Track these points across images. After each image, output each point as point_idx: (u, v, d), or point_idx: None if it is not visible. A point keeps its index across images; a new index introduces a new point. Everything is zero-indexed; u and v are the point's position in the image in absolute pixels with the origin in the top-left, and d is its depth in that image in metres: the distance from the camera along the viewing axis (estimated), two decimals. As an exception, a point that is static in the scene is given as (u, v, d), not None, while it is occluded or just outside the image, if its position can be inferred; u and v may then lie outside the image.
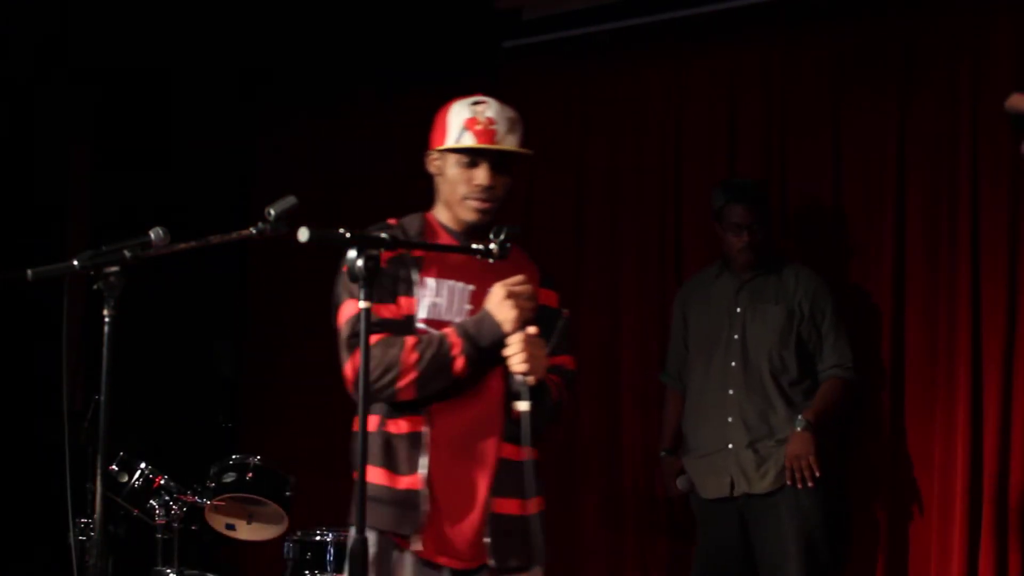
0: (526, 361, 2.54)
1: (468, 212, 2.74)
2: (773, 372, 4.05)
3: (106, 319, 2.46)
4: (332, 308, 2.83)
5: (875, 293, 4.38)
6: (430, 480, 2.62)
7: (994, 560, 3.99)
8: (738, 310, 4.15)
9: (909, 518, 4.25)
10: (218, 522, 4.36)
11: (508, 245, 2.52)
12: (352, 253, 2.25)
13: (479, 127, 2.68)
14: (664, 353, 4.59)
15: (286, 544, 4.25)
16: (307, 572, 4.17)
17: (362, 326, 2.25)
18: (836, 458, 4.14)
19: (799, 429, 3.98)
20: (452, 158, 2.73)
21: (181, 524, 4.16)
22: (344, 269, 2.69)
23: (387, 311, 2.71)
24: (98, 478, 2.48)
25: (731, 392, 4.10)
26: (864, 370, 4.20)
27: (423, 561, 2.64)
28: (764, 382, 4.05)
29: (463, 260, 2.70)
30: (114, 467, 4.17)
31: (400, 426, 2.67)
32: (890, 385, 4.31)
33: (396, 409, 2.68)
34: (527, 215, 5.24)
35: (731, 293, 4.18)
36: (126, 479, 4.17)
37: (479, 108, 2.70)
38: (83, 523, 4.25)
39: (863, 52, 4.50)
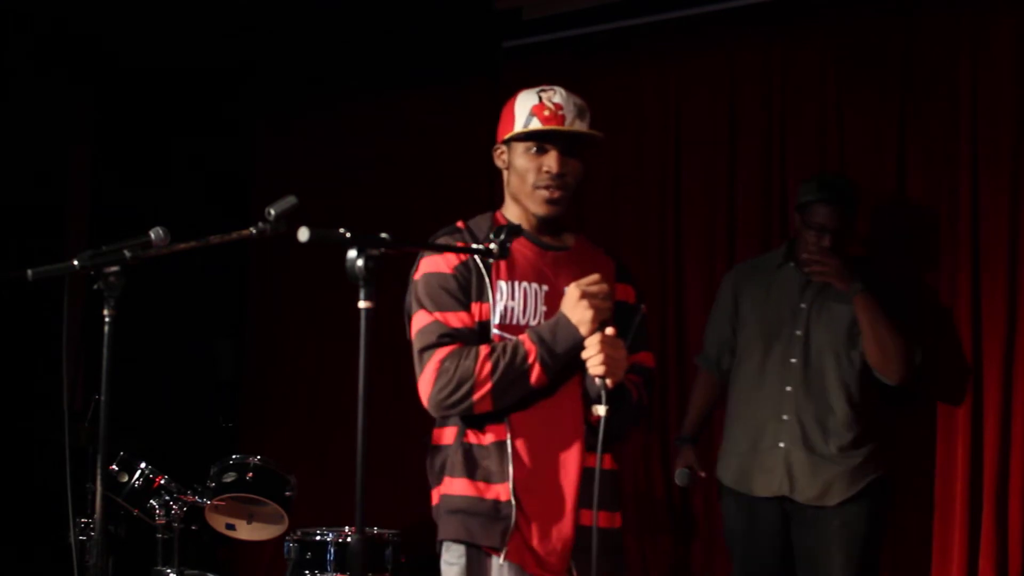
0: (604, 364, 2.46)
1: (538, 205, 2.65)
2: (839, 374, 3.82)
3: (106, 319, 2.46)
4: (405, 318, 2.76)
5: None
6: (516, 490, 2.55)
7: (994, 560, 3.99)
8: (803, 306, 3.90)
9: (909, 518, 4.24)
10: (218, 522, 4.36)
11: (508, 245, 2.49)
12: (352, 253, 2.24)
13: (547, 112, 2.61)
14: (675, 348, 4.61)
15: (286, 544, 4.25)
16: (307, 572, 4.17)
17: (362, 327, 2.24)
18: (884, 464, 3.91)
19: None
20: (520, 147, 2.65)
21: (181, 524, 4.16)
22: (416, 276, 2.68)
23: (458, 320, 2.62)
24: (98, 478, 2.48)
25: (788, 389, 3.86)
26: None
27: (513, 570, 2.58)
28: (827, 383, 3.82)
29: (535, 260, 2.61)
30: (114, 467, 4.18)
31: (482, 436, 2.60)
32: (890, 385, 4.31)
33: (475, 419, 2.60)
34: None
35: (795, 287, 3.94)
36: (126, 479, 4.18)
37: (546, 94, 2.64)
38: (83, 523, 4.25)
39: (863, 52, 4.50)
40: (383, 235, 2.29)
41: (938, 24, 4.34)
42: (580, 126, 2.60)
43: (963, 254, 4.16)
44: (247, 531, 4.44)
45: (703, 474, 4.12)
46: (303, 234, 2.20)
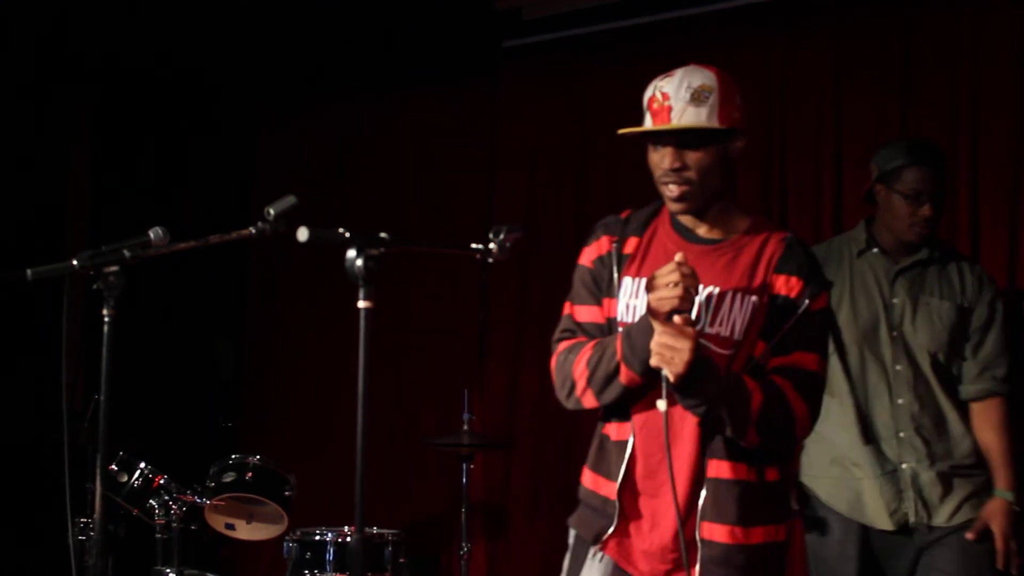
0: (658, 353, 2.28)
1: (668, 201, 2.51)
2: (946, 380, 3.35)
3: (106, 319, 2.46)
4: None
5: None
6: (622, 491, 2.46)
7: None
8: (894, 301, 3.38)
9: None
10: (218, 522, 4.36)
11: (508, 243, 2.45)
12: (351, 253, 2.24)
13: (656, 105, 2.50)
14: None
15: (286, 544, 4.25)
16: (307, 572, 4.17)
17: (361, 326, 2.24)
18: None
19: (1006, 501, 3.29)
20: (648, 143, 2.52)
21: (181, 524, 4.16)
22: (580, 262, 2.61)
23: (587, 313, 2.57)
24: (98, 478, 2.48)
25: (900, 402, 3.33)
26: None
27: (609, 565, 2.52)
28: (934, 392, 3.34)
29: (674, 253, 2.37)
30: (114, 467, 4.18)
31: (613, 432, 2.52)
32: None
33: (611, 412, 2.51)
34: (527, 215, 5.24)
35: (882, 278, 3.40)
36: (126, 479, 4.18)
37: (661, 83, 2.52)
38: (83, 523, 4.25)
39: (863, 52, 4.50)
40: (382, 235, 2.29)
41: (938, 24, 4.34)
42: (691, 116, 2.42)
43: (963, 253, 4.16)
44: (247, 531, 4.44)
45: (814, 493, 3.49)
46: (302, 234, 2.20)
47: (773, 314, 2.38)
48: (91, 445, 4.30)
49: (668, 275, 2.29)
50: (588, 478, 2.57)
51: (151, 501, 4.16)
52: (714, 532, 2.38)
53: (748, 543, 2.39)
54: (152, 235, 2.51)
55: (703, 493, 2.39)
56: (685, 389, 2.32)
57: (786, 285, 2.41)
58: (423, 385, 5.54)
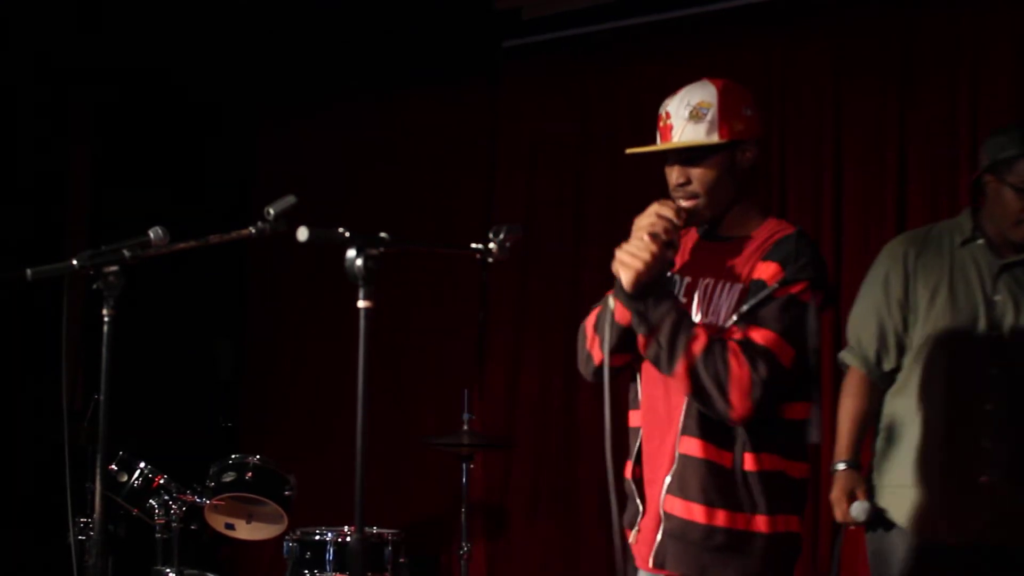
0: (619, 259, 2.37)
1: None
2: None
3: (105, 319, 2.46)
4: None
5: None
6: (635, 474, 2.55)
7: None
8: (996, 298, 3.04)
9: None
10: (218, 521, 4.36)
11: (508, 244, 2.46)
12: (351, 253, 2.24)
13: (662, 124, 2.58)
14: None
15: (285, 543, 4.25)
16: (306, 572, 4.17)
17: (361, 326, 2.24)
18: None
19: None
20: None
21: (181, 524, 4.16)
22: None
23: None
24: (98, 478, 2.48)
25: (988, 408, 2.98)
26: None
27: (631, 555, 2.57)
28: None
29: (694, 252, 2.52)
30: (114, 467, 4.18)
31: (632, 418, 2.60)
32: (890, 385, 4.30)
33: (631, 403, 2.61)
34: (527, 215, 5.24)
35: (985, 272, 3.06)
36: (126, 479, 4.18)
37: (667, 102, 2.60)
38: (83, 523, 4.25)
39: (863, 52, 4.51)
40: (382, 235, 2.29)
41: (938, 24, 4.34)
42: (689, 133, 2.51)
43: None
44: (246, 531, 4.44)
45: (880, 507, 3.14)
46: (302, 234, 2.20)
47: (748, 295, 2.42)
48: (91, 445, 4.30)
49: (646, 216, 2.40)
50: (627, 468, 2.61)
51: (151, 501, 4.16)
52: (674, 506, 2.44)
53: (707, 523, 2.41)
54: (152, 235, 2.51)
55: (679, 471, 2.44)
56: (634, 298, 2.36)
57: (766, 271, 2.43)
58: (423, 385, 5.54)
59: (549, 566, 5.10)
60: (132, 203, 5.57)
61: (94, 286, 2.47)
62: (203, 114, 5.92)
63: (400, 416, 5.48)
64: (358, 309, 2.22)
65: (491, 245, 2.45)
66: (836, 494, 3.13)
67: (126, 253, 2.47)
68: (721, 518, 2.41)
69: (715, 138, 2.49)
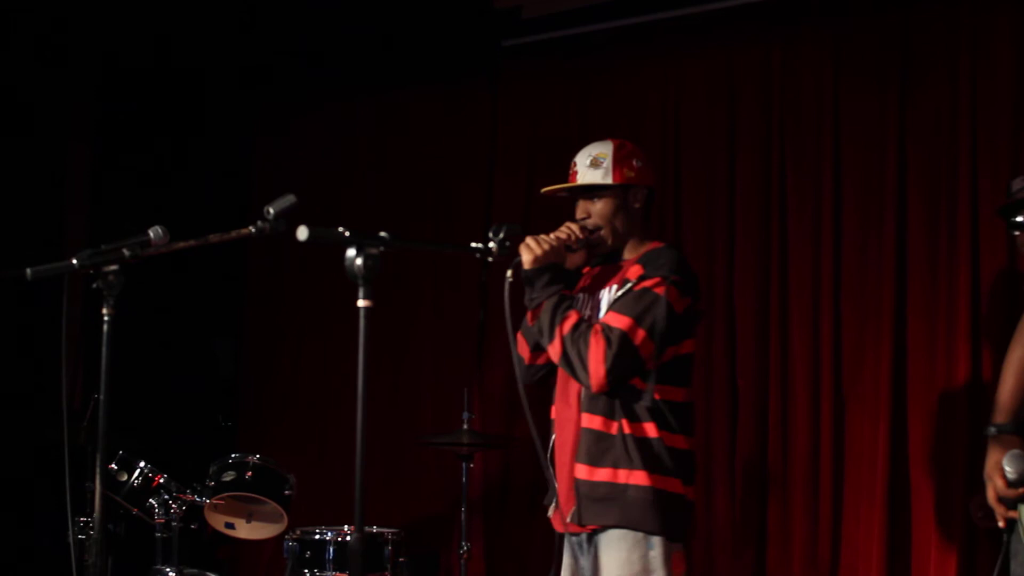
0: (524, 243, 2.95)
1: None
2: None
3: (105, 318, 2.46)
4: None
5: (875, 291, 4.38)
6: (551, 456, 3.13)
7: (993, 559, 3.99)
8: None
9: (909, 517, 4.24)
10: (217, 521, 4.36)
11: (507, 244, 2.52)
12: (351, 252, 2.25)
13: (570, 172, 3.19)
14: None
15: (285, 543, 4.25)
16: (306, 571, 4.17)
17: (361, 326, 2.24)
18: None
19: None
20: None
21: (180, 523, 4.16)
22: None
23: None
24: (97, 477, 2.48)
25: None
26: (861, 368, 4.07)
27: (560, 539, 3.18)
28: None
29: (590, 273, 3.21)
30: (113, 466, 4.18)
31: (551, 411, 3.19)
32: (890, 383, 4.31)
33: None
34: (527, 215, 5.24)
35: None
36: (125, 478, 4.18)
37: (576, 157, 3.17)
38: (82, 522, 4.25)
39: (862, 51, 4.50)
40: (382, 234, 2.30)
41: (938, 23, 4.34)
42: (589, 176, 3.11)
43: (963, 252, 4.16)
44: (246, 530, 4.44)
45: None
46: (302, 233, 2.21)
47: (619, 291, 2.98)
48: (91, 444, 4.31)
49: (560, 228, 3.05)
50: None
51: (151, 500, 4.16)
52: (578, 470, 3.00)
53: (594, 480, 2.96)
54: (152, 234, 2.52)
55: (582, 442, 3.01)
56: (530, 278, 2.95)
57: (633, 272, 3.00)
58: (422, 384, 5.54)
59: (548, 565, 5.09)
60: (132, 202, 5.57)
61: (94, 285, 2.47)
62: (203, 114, 5.92)
63: (400, 415, 5.48)
64: (358, 308, 2.23)
65: (491, 245, 2.51)
66: (989, 467, 2.51)
67: (126, 253, 2.47)
68: (603, 475, 2.95)
69: (609, 180, 3.08)
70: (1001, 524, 2.48)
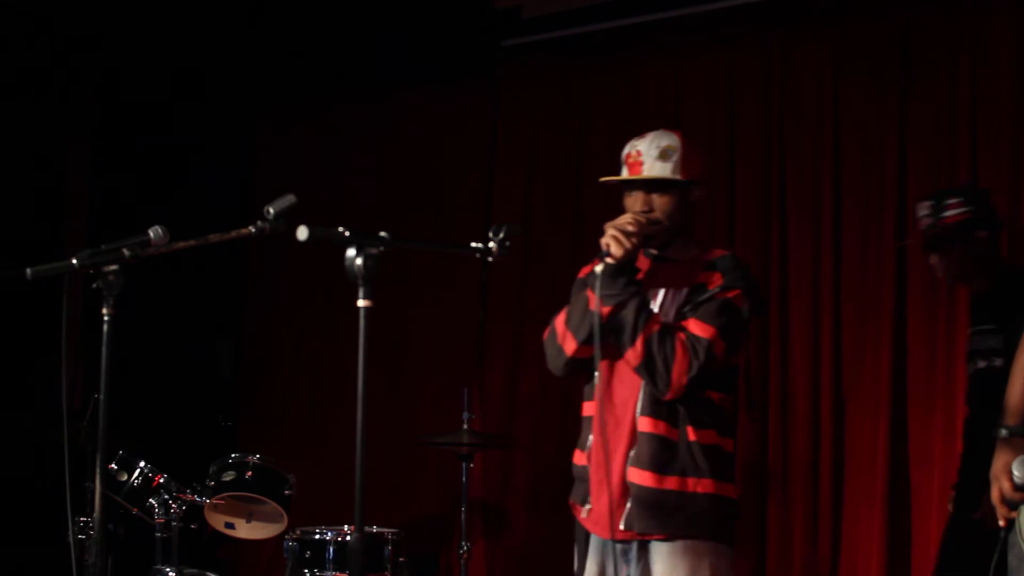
0: (612, 235, 2.81)
1: None
2: None
3: (105, 318, 2.46)
4: None
5: (876, 291, 4.38)
6: (589, 456, 2.95)
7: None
8: None
9: (909, 517, 4.24)
10: (217, 521, 4.36)
11: (508, 243, 2.49)
12: (351, 252, 2.25)
13: (631, 160, 3.00)
14: None
15: (285, 542, 4.25)
16: (306, 571, 4.17)
17: (361, 325, 2.24)
18: None
19: None
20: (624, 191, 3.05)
21: (180, 523, 4.16)
22: None
23: None
24: (97, 477, 2.48)
25: None
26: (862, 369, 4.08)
27: (594, 542, 2.98)
28: None
29: (644, 270, 2.98)
30: (113, 466, 4.18)
31: (585, 409, 3.02)
32: (890, 384, 4.31)
33: (584, 394, 3.03)
34: (527, 215, 5.24)
35: None
36: (125, 478, 4.18)
37: (636, 142, 3.01)
38: (82, 522, 4.25)
39: (862, 51, 4.51)
40: (382, 234, 2.29)
41: (938, 23, 4.34)
42: (659, 168, 2.95)
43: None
44: (246, 530, 4.44)
45: None
46: (302, 233, 2.20)
47: (693, 296, 2.89)
48: (91, 444, 4.30)
49: (623, 217, 2.90)
50: (575, 455, 3.02)
51: (151, 500, 4.16)
52: (638, 476, 2.84)
53: (660, 488, 2.83)
54: (151, 234, 2.51)
55: (639, 446, 2.87)
56: (615, 273, 2.81)
57: (710, 279, 2.91)
58: (423, 384, 5.54)
59: (548, 565, 5.09)
60: (132, 202, 5.57)
61: (94, 285, 2.47)
62: (203, 113, 5.92)
63: (400, 415, 5.48)
64: (358, 308, 2.23)
65: (491, 244, 2.49)
66: (997, 468, 2.52)
67: (126, 252, 2.47)
68: (671, 483, 2.84)
69: (679, 176, 2.95)
70: (1001, 524, 2.53)
